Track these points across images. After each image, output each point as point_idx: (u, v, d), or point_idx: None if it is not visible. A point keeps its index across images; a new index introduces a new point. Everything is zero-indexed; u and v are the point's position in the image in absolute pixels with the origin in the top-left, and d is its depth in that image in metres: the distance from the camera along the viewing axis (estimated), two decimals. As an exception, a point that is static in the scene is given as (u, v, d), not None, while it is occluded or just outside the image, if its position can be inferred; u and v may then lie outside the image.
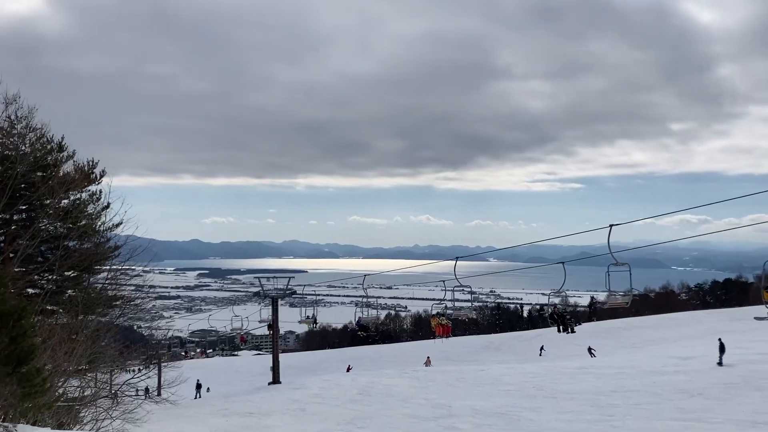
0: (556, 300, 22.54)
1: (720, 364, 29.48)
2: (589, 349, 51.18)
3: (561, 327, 22.21)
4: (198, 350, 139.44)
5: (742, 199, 17.22)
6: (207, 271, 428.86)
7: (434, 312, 38.20)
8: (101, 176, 24.42)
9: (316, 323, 42.17)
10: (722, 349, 30.33)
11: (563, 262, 17.30)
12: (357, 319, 40.92)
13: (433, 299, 32.85)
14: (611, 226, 16.18)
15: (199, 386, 47.57)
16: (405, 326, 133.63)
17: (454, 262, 21.09)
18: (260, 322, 44.45)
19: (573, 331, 22.43)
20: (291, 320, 54.33)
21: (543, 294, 23.51)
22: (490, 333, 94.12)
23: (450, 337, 40.87)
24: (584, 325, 79.02)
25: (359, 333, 40.72)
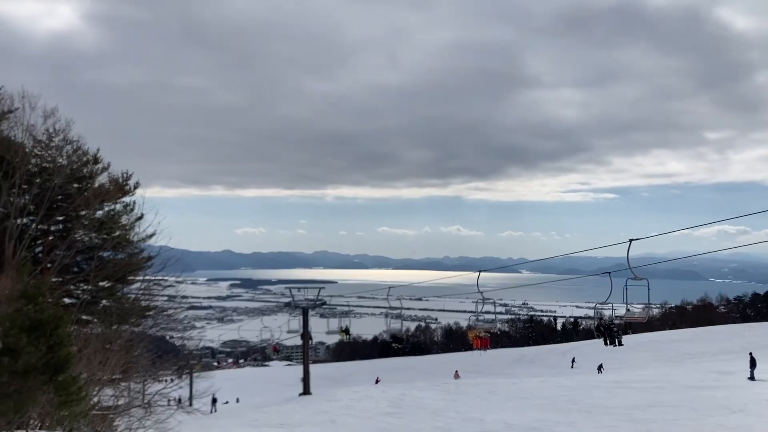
0: (604, 312, 21.91)
1: (752, 378, 28.97)
2: (599, 367, 50.46)
3: (608, 339, 21.58)
4: (230, 360, 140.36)
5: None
6: (238, 282, 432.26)
7: (469, 324, 37.82)
8: (135, 188, 24.71)
9: (349, 334, 42.18)
10: (753, 363, 29.92)
11: (609, 273, 16.99)
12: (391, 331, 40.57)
13: (464, 311, 32.50)
14: (631, 240, 16.11)
15: (214, 401, 44.43)
16: (436, 338, 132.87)
17: (478, 274, 20.95)
18: (288, 332, 44.60)
19: (620, 344, 21.80)
20: (321, 331, 54.36)
21: (577, 306, 23.04)
22: (523, 346, 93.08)
23: (488, 349, 40.28)
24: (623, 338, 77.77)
25: (393, 345, 40.39)
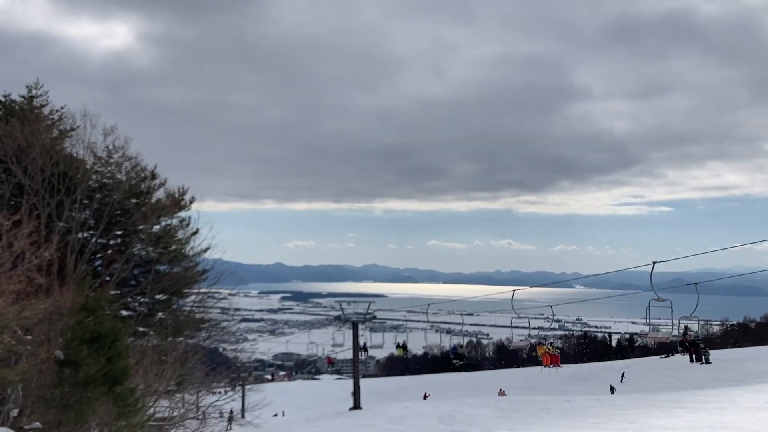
0: (693, 327, 21.05)
1: None
2: (622, 375, 49.05)
3: (694, 356, 20.49)
4: (282, 373, 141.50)
5: None
6: (290, 295, 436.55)
7: (539, 341, 37.34)
8: (190, 203, 25.28)
9: (407, 350, 42.09)
10: None
11: (696, 284, 16.65)
12: (452, 347, 40.31)
13: (516, 326, 32.02)
14: (654, 263, 16.08)
15: (231, 418, 36.65)
16: (487, 354, 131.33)
17: (512, 293, 20.64)
18: (333, 346, 44.87)
19: (708, 362, 20.57)
20: (373, 345, 54.40)
21: (633, 323, 22.44)
22: (577, 362, 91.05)
23: (559, 367, 39.34)
24: (677, 355, 75.42)
25: (455, 361, 40.04)
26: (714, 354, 68.08)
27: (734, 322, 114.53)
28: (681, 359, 68.24)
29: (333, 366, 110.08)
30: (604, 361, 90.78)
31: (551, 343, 37.43)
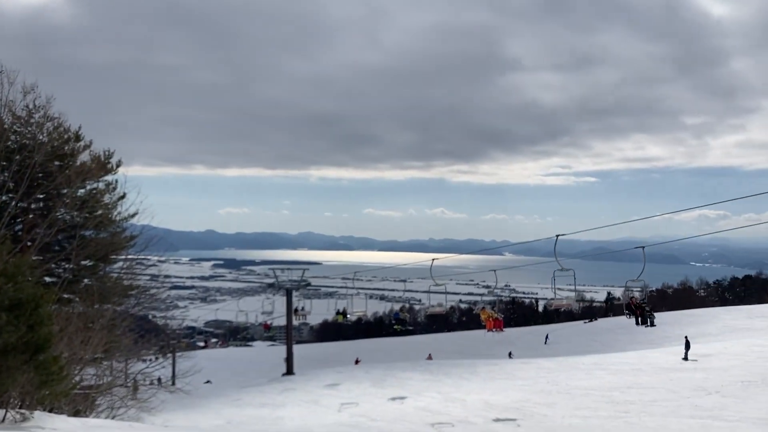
0: (635, 290, 21.93)
1: (685, 359, 31.09)
2: (546, 337, 51.43)
3: (640, 319, 21.10)
4: (215, 341, 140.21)
5: (761, 195, 17.43)
6: (222, 262, 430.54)
7: (483, 306, 37.81)
8: (117, 166, 24.53)
9: (347, 316, 42.34)
10: (687, 346, 32.38)
11: (643, 247, 17.21)
12: (394, 313, 40.75)
13: (449, 293, 32.61)
14: (557, 236, 16.89)
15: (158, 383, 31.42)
16: (419, 319, 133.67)
17: (431, 260, 21.10)
18: (262, 313, 44.86)
19: (653, 324, 21.31)
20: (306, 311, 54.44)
21: (559, 289, 23.31)
22: (506, 327, 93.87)
23: (502, 331, 39.92)
24: (599, 320, 78.67)
25: (396, 327, 40.36)
26: (632, 319, 71.19)
27: (653, 289, 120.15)
28: (602, 323, 71.17)
29: (269, 331, 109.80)
30: (531, 325, 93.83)
31: (493, 308, 38.02)
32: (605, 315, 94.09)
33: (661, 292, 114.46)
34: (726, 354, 31.51)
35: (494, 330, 38.11)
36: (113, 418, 17.04)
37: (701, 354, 32.75)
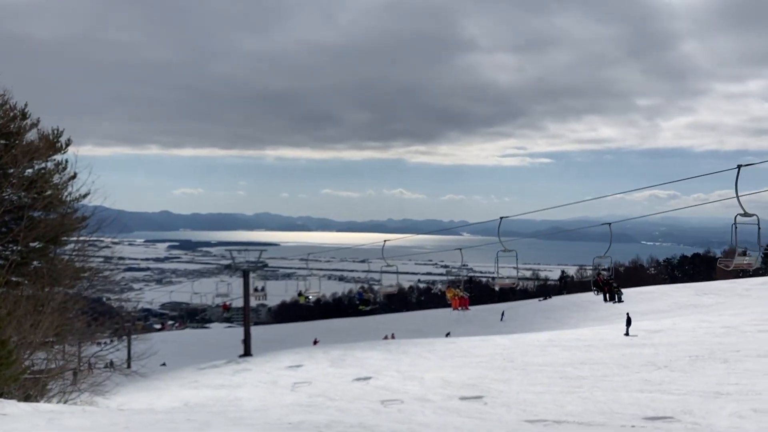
0: (603, 266, 21.77)
1: (627, 334, 32.94)
2: (502, 314, 52.34)
3: (607, 295, 20.97)
4: (171, 323, 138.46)
5: (710, 175, 18.02)
6: (177, 243, 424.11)
7: (448, 285, 37.61)
8: (67, 145, 23.81)
9: (309, 298, 42.06)
10: (629, 322, 34.66)
11: (609, 223, 17.35)
12: (358, 293, 40.06)
13: (407, 272, 32.78)
14: (501, 218, 17.22)
15: (111, 366, 31.42)
16: (378, 299, 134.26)
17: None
18: (217, 296, 44.44)
19: (620, 300, 21.11)
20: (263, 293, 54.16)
21: (514, 268, 23.73)
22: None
23: (468, 309, 39.61)
24: (554, 298, 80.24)
25: (360, 307, 39.85)
26: (585, 296, 72.86)
27: (606, 267, 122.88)
28: (556, 301, 72.57)
29: (228, 312, 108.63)
30: (488, 304, 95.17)
31: (459, 286, 37.95)
32: (559, 293, 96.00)
33: (612, 271, 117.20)
34: (675, 330, 32.52)
35: (460, 308, 38.05)
36: (65, 402, 16.74)
37: (651, 330, 33.75)
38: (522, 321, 59.70)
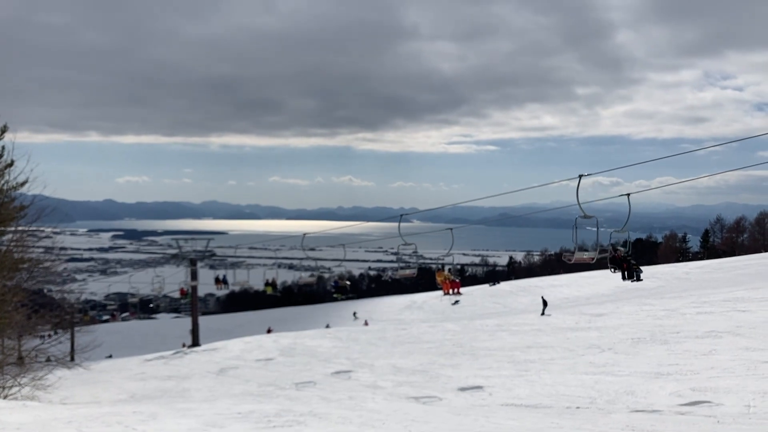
0: (619, 243, 20.96)
1: (543, 314, 35.93)
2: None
3: (626, 273, 19.95)
4: (125, 314, 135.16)
5: (651, 162, 18.51)
6: (122, 233, 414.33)
7: (438, 267, 37.07)
8: (3, 132, 22.86)
9: (227, 284, 41.56)
10: (545, 303, 38.62)
11: (628, 195, 17.40)
12: (334, 281, 38.52)
13: (357, 260, 32.65)
14: (401, 216, 17.48)
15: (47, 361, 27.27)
16: (329, 287, 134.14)
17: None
18: (186, 284, 43.60)
19: (640, 279, 20.05)
20: (211, 282, 53.45)
21: (464, 254, 24.02)
22: (413, 293, 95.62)
23: (460, 294, 38.46)
24: (502, 284, 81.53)
25: (336, 295, 38.73)
26: (533, 281, 74.27)
27: (552, 252, 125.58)
28: (505, 286, 73.78)
29: (186, 297, 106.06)
30: (438, 290, 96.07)
31: (450, 269, 37.34)
32: (508, 278, 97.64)
33: (559, 256, 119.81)
34: (618, 313, 33.43)
35: (452, 292, 36.98)
36: (5, 397, 16.21)
37: (595, 314, 34.62)
38: (471, 306, 60.48)
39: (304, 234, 24.38)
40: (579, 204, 16.62)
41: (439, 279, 36.03)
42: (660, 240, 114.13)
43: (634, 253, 21.58)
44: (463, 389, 18.76)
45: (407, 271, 25.39)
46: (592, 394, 16.49)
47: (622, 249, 20.31)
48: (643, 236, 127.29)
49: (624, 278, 20.22)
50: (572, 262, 18.40)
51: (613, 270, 20.33)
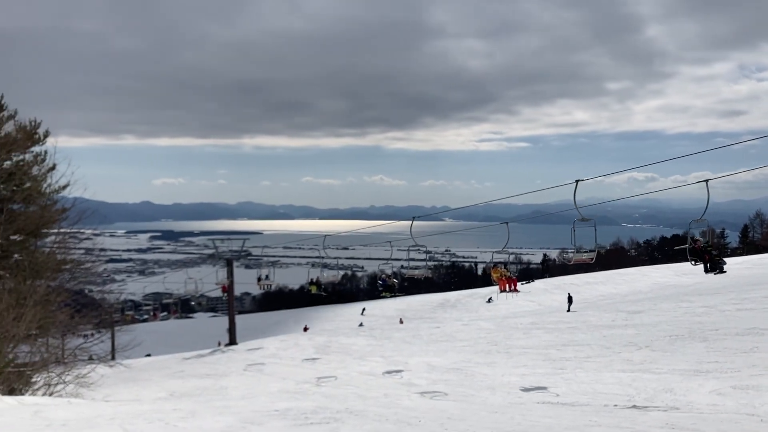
0: (696, 234, 19.74)
1: (569, 311, 36.02)
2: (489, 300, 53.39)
3: (708, 266, 18.47)
4: (155, 313, 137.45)
5: (687, 157, 18.23)
6: (159, 234, 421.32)
7: (493, 263, 35.85)
8: (45, 137, 23.56)
9: (321, 287, 41.64)
10: (570, 300, 38.83)
11: (707, 181, 16.45)
12: (381, 278, 37.47)
13: (390, 259, 32.73)
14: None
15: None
16: (362, 286, 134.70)
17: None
18: (216, 284, 44.13)
19: (723, 270, 18.26)
20: (247, 281, 54.09)
21: (497, 252, 23.90)
22: (446, 291, 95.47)
23: (517, 291, 36.32)
24: (536, 282, 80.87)
25: (384, 294, 37.82)
26: (569, 279, 73.48)
27: (587, 250, 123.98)
28: (539, 284, 73.13)
29: (226, 294, 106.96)
30: (471, 288, 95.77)
31: (505, 266, 35.45)
32: (542, 276, 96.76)
33: (710, 234, 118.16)
34: (655, 310, 32.92)
35: (508, 289, 34.79)
36: (50, 395, 16.66)
37: (632, 311, 34.13)
38: (505, 305, 60.10)
39: (325, 236, 24.67)
40: (577, 208, 17.13)
41: (494, 276, 34.39)
42: (697, 236, 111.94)
43: (709, 248, 20.45)
44: (498, 387, 18.71)
45: (417, 272, 25.26)
46: (629, 392, 16.30)
47: (701, 240, 19.25)
48: (680, 232, 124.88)
49: (706, 271, 18.93)
50: (572, 263, 18.61)
51: (693, 263, 19.22)
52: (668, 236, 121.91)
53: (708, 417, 12.82)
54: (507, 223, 20.80)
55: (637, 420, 11.69)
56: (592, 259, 18.59)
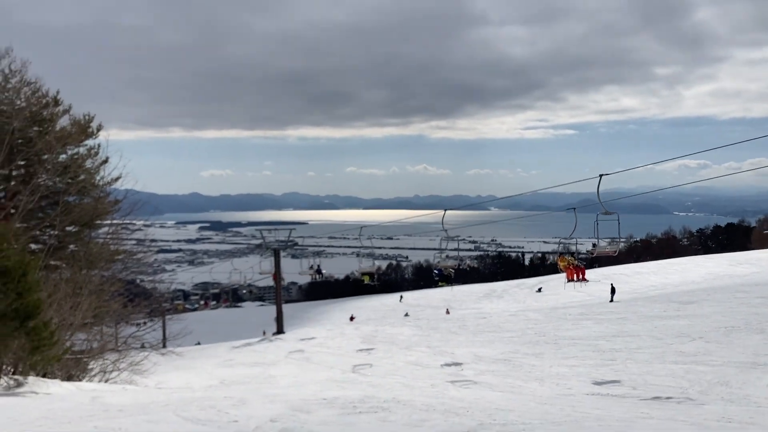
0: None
1: (611, 301, 36.44)
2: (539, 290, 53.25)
3: None
4: (213, 302, 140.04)
5: (741, 144, 17.74)
6: (208, 224, 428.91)
7: (560, 252, 35.90)
8: (98, 130, 24.12)
9: (321, 274, 42.09)
10: (613, 291, 39.00)
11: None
12: (438, 269, 36.50)
13: (434, 248, 32.62)
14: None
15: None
16: (407, 275, 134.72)
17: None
18: (260, 273, 44.71)
19: None
20: (293, 271, 54.63)
21: (545, 242, 23.58)
22: (492, 281, 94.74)
23: (586, 281, 35.26)
24: (587, 271, 79.62)
25: (441, 284, 37.28)
26: (618, 269, 72.18)
27: (637, 239, 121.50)
28: (588, 274, 72.03)
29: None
30: (518, 278, 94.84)
31: (573, 255, 34.10)
32: (591, 266, 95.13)
33: (645, 242, 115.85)
34: (709, 301, 32.07)
35: (577, 279, 33.18)
36: (106, 381, 17.17)
37: (684, 301, 33.33)
38: (553, 295, 59.39)
39: (361, 227, 24.79)
40: (600, 201, 17.47)
41: (561, 264, 33.06)
42: (753, 224, 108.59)
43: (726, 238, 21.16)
44: (546, 378, 18.50)
45: (449, 263, 25.14)
46: (683, 384, 15.92)
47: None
48: (735, 221, 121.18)
49: None
50: (594, 255, 19.06)
51: None
52: (722, 225, 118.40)
53: (766, 411, 12.44)
54: (575, 209, 20.76)
55: (692, 413, 11.42)
56: (615, 251, 18.86)
